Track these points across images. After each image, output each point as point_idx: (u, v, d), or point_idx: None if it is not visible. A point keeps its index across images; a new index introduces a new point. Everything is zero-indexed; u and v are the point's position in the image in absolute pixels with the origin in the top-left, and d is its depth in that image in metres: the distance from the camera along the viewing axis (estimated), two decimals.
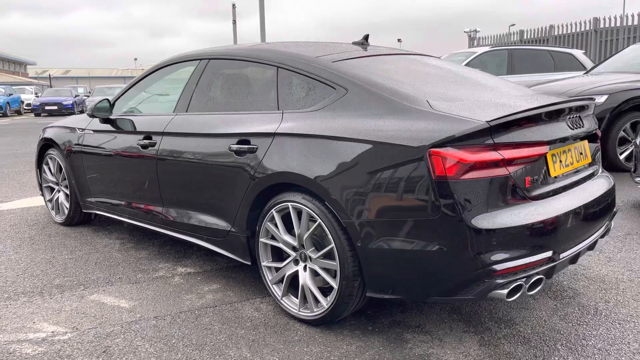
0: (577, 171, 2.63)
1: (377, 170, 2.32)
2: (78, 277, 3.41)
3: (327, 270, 2.58)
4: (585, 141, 2.77)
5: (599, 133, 2.93)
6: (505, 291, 2.20)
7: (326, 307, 2.56)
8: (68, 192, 4.47)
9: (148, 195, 3.56)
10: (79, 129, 4.25)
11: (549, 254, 2.29)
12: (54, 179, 4.67)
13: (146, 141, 3.48)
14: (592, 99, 2.81)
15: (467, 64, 9.87)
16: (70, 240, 4.22)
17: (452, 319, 2.72)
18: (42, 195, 4.93)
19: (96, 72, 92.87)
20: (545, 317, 2.73)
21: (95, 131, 4.05)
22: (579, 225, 2.48)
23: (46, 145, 4.69)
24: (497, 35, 20.76)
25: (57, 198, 4.68)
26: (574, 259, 2.53)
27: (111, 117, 3.91)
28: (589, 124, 2.73)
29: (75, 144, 4.24)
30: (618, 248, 3.75)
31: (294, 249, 2.70)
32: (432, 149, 2.17)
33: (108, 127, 3.92)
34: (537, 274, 2.27)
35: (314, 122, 2.61)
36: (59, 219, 4.68)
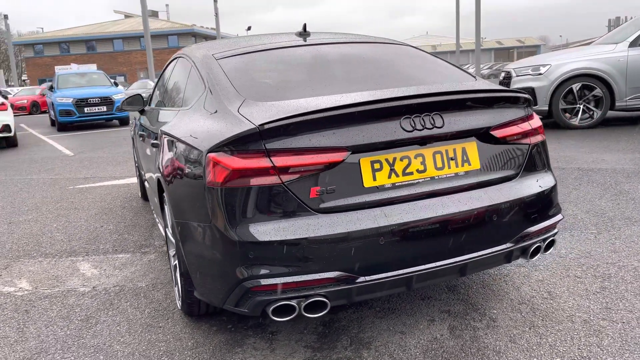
0: (438, 179, 2.18)
1: (183, 173, 2.34)
2: (93, 245, 4.10)
3: None
4: (470, 143, 2.25)
5: (507, 131, 2.31)
6: (270, 309, 2.02)
7: (181, 301, 2.67)
8: None
9: (146, 177, 4.08)
10: (136, 119, 4.97)
11: (333, 274, 2.01)
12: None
13: (143, 132, 3.97)
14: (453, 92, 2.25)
15: (636, 39, 7.97)
16: (130, 214, 5.00)
17: (312, 331, 2.54)
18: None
19: None
20: (413, 343, 2.35)
21: (139, 122, 4.71)
22: (410, 245, 2.09)
23: None
24: None
25: (140, 176, 5.55)
26: (407, 284, 2.13)
27: (145, 109, 4.49)
28: (465, 123, 2.20)
29: (133, 133, 5.00)
30: (637, 277, 2.88)
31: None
32: (209, 154, 2.10)
33: (144, 118, 4.52)
34: (318, 295, 2.02)
35: (179, 120, 2.70)
36: (139, 194, 5.55)
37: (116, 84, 16.63)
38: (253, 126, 2.01)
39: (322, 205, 2.04)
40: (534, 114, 2.53)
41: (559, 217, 2.46)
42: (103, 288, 3.25)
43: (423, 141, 2.15)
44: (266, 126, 1.99)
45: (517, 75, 8.51)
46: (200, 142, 2.21)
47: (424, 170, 2.16)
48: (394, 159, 2.12)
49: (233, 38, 3.45)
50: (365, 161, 2.08)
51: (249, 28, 42.70)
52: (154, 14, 60.64)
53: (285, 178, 2.00)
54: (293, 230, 1.99)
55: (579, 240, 3.50)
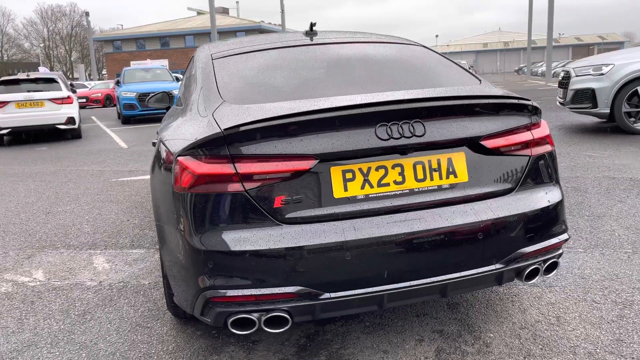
0: (418, 192, 2.01)
1: (160, 175, 2.31)
2: (114, 239, 4.19)
3: None
4: (458, 154, 2.06)
5: (507, 140, 2.11)
6: (229, 321, 1.95)
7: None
8: None
9: None
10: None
11: (293, 289, 1.90)
12: None
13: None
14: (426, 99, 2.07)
15: None
16: None
17: (294, 342, 2.45)
18: None
19: None
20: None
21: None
22: (381, 261, 1.94)
23: None
24: None
25: None
26: (379, 302, 1.99)
27: (171, 106, 4.53)
28: (451, 132, 2.02)
29: None
30: None
31: None
32: (178, 157, 2.05)
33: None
34: (279, 310, 1.92)
35: (172, 121, 2.67)
36: None
37: (177, 79, 17.14)
38: (218, 130, 1.93)
39: (288, 216, 1.93)
40: (542, 122, 2.30)
41: (562, 237, 2.23)
42: (108, 283, 3.30)
43: (403, 150, 1.99)
44: (230, 131, 1.91)
45: (577, 75, 7.97)
46: (174, 145, 2.17)
47: (402, 182, 2.01)
48: (369, 168, 1.98)
49: (242, 37, 3.39)
50: (336, 170, 1.95)
51: (314, 24, 42.76)
52: (225, 11, 62.20)
53: (249, 186, 1.91)
54: (254, 240, 1.90)
55: (609, 259, 3.18)
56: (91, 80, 46.21)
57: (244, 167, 1.91)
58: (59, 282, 3.38)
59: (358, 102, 1.96)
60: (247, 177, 1.91)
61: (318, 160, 1.92)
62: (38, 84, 11.99)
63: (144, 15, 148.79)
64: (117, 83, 16.74)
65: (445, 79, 2.50)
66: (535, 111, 2.26)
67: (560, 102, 8.60)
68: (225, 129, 1.92)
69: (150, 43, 58.31)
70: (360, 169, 1.97)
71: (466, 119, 2.07)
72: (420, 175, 2.02)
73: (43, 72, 26.94)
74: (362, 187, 1.97)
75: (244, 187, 1.91)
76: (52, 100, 11.45)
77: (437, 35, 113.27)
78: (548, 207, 2.17)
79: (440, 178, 2.04)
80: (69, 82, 15.42)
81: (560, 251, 2.26)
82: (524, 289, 2.85)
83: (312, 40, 2.96)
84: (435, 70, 2.62)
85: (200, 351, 2.44)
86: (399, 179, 2.00)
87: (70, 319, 2.84)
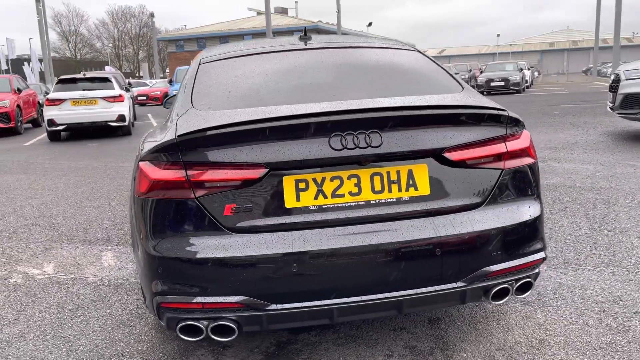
0: (374, 204, 1.95)
1: (132, 179, 2.35)
2: (127, 235, 4.31)
3: None
4: (420, 166, 1.98)
5: (475, 153, 2.00)
6: (177, 327, 1.96)
7: None
8: None
9: None
10: None
11: (239, 299, 1.88)
12: None
13: None
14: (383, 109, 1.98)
15: None
16: None
17: (263, 350, 2.43)
18: None
19: (468, 50, 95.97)
20: None
21: None
22: (330, 274, 1.89)
23: None
24: None
25: None
26: (329, 316, 1.94)
27: None
28: (411, 143, 1.94)
29: None
30: None
31: None
32: (139, 162, 2.08)
33: None
34: (227, 319, 1.91)
35: (157, 126, 2.71)
36: None
37: None
38: (173, 137, 1.95)
39: (238, 225, 1.92)
40: (522, 133, 2.18)
41: (537, 256, 2.10)
42: (108, 280, 3.40)
43: (360, 161, 1.93)
44: (183, 137, 1.92)
45: (627, 79, 7.51)
46: (142, 150, 2.21)
47: (358, 193, 1.95)
48: (323, 179, 1.93)
49: (239, 41, 3.40)
50: (288, 180, 1.92)
51: (370, 24, 42.57)
52: (284, 11, 62.97)
53: (199, 193, 1.91)
54: (201, 248, 1.90)
55: (617, 280, 2.97)
56: (153, 78, 48.00)
57: (195, 174, 1.91)
58: (65, 276, 3.51)
59: (309, 112, 1.92)
60: (198, 185, 1.91)
61: (268, 169, 1.90)
62: (93, 83, 12.55)
63: (209, 16, 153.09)
64: (170, 82, 17.30)
65: (424, 86, 2.40)
66: (515, 122, 2.14)
67: (610, 107, 8.14)
68: (179, 136, 1.93)
69: (211, 43, 59.84)
70: (314, 179, 1.93)
71: (429, 129, 1.98)
72: (377, 187, 1.95)
73: (108, 70, 28.23)
74: (316, 198, 1.93)
75: (195, 195, 1.92)
76: (105, 98, 11.96)
77: (498, 35, 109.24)
78: (520, 223, 2.05)
79: (400, 190, 1.97)
80: (127, 81, 16.07)
81: (536, 270, 2.13)
82: (515, 306, 2.70)
83: (306, 44, 2.92)
84: (417, 76, 2.52)
85: (171, 353, 2.47)
86: (355, 190, 1.95)
87: (63, 313, 2.95)
